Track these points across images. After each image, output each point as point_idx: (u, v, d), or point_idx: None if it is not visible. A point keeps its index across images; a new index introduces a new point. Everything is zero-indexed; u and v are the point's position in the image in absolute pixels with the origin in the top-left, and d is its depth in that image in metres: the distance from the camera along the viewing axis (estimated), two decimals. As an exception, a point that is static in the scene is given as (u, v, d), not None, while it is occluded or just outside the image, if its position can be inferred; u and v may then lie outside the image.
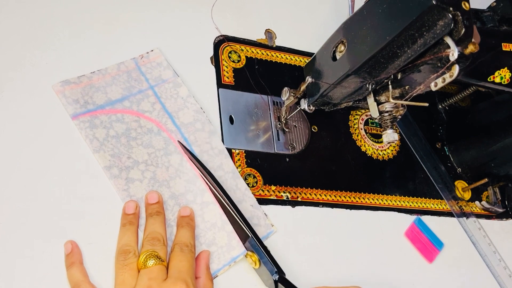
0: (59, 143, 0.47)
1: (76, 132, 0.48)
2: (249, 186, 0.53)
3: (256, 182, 0.54)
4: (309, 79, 0.53)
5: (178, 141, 0.52)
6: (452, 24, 0.41)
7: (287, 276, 0.47)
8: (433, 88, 0.45)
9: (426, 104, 0.49)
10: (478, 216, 0.67)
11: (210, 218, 0.49)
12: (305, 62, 0.64)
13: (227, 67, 0.59)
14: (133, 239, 0.45)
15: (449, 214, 0.66)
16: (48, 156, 0.46)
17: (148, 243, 0.44)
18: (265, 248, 0.48)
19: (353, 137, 0.64)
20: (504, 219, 0.69)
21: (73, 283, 0.41)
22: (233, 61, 0.60)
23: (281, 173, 0.56)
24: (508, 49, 0.52)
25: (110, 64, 0.52)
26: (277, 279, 0.46)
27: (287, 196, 0.55)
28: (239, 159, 0.54)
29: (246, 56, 0.61)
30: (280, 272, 0.46)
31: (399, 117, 0.51)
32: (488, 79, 0.53)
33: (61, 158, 0.46)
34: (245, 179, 0.53)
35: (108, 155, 0.48)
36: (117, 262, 0.43)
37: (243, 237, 0.48)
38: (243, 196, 0.52)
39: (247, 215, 0.49)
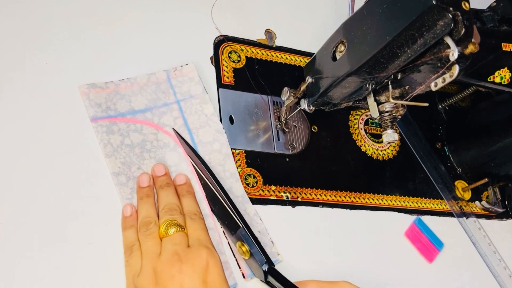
0: (59, 143, 0.47)
1: (79, 134, 0.48)
2: (249, 186, 0.53)
3: (256, 182, 0.54)
4: (309, 79, 0.53)
5: (173, 128, 0.51)
6: (452, 24, 0.41)
7: (280, 269, 0.47)
8: (433, 88, 0.45)
9: (426, 104, 0.49)
10: (478, 216, 0.67)
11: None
12: (305, 62, 0.64)
13: (227, 67, 0.59)
14: (152, 210, 0.46)
15: (449, 214, 0.66)
16: (49, 156, 0.46)
17: (166, 213, 0.45)
18: (255, 239, 0.48)
19: (353, 137, 0.64)
20: (504, 219, 0.69)
21: (127, 243, 0.44)
22: (233, 61, 0.60)
23: (281, 173, 0.56)
24: (508, 49, 0.52)
25: (110, 63, 0.52)
26: (266, 269, 0.46)
27: (287, 196, 0.55)
28: (239, 159, 0.54)
29: (246, 56, 0.61)
30: (269, 263, 0.47)
31: (399, 117, 0.51)
32: (488, 79, 0.53)
33: (61, 159, 0.46)
34: (245, 179, 0.53)
35: (119, 162, 0.48)
36: (140, 233, 0.44)
37: (234, 227, 0.48)
38: (251, 221, 0.51)
39: None
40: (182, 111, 0.52)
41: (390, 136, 0.51)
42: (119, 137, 0.49)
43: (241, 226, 0.48)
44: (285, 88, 0.55)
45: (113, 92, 0.51)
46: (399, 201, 0.63)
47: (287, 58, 0.64)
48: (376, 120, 0.53)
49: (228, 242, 0.49)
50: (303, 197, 0.56)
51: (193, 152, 0.51)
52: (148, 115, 0.51)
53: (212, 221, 0.49)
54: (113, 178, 0.47)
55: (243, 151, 0.55)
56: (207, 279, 0.41)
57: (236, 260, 0.49)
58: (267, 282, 0.47)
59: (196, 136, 0.52)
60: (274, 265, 0.47)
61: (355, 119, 0.66)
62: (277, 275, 0.46)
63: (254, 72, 0.60)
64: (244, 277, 0.48)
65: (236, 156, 0.54)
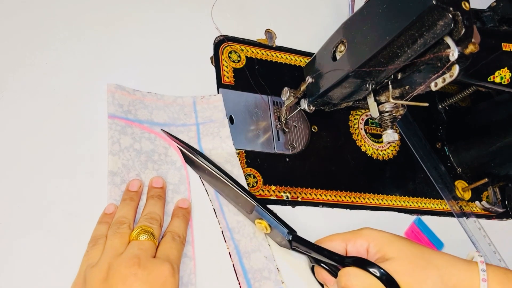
0: (59, 143, 0.47)
1: (79, 134, 0.48)
2: (249, 186, 0.53)
3: (256, 182, 0.54)
4: (309, 79, 0.53)
5: (162, 129, 0.51)
6: (452, 24, 0.41)
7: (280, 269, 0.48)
8: (433, 88, 0.45)
9: (426, 104, 0.49)
10: (478, 216, 0.67)
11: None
12: (305, 62, 0.64)
13: (227, 67, 0.59)
14: (131, 213, 0.45)
15: (449, 214, 0.66)
16: (49, 156, 0.46)
17: (145, 220, 0.44)
18: (272, 212, 0.49)
19: (353, 137, 0.64)
20: (504, 219, 0.69)
21: (93, 236, 0.43)
22: (233, 61, 0.60)
23: (281, 173, 0.56)
24: (508, 49, 0.52)
25: (110, 63, 0.52)
26: (290, 238, 0.48)
27: (287, 196, 0.55)
28: (239, 159, 0.54)
29: (246, 56, 0.61)
30: (291, 231, 0.48)
31: (399, 117, 0.51)
32: (488, 79, 0.53)
33: (61, 159, 0.46)
34: (245, 179, 0.53)
35: (120, 163, 0.47)
36: (110, 229, 0.43)
37: (249, 208, 0.49)
38: (259, 246, 0.50)
39: (258, 266, 0.49)
40: (199, 133, 0.52)
41: (390, 136, 0.51)
42: (130, 139, 0.49)
43: (255, 204, 0.48)
44: (285, 88, 0.55)
45: (138, 99, 0.51)
46: (399, 201, 0.63)
47: (287, 58, 0.64)
48: (376, 120, 0.53)
49: (233, 185, 0.49)
50: (303, 197, 0.56)
51: (189, 147, 0.51)
52: (165, 129, 0.51)
53: (191, 250, 0.47)
54: (108, 176, 0.47)
55: (243, 151, 0.55)
56: None
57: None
58: (293, 249, 0.49)
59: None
60: (296, 232, 0.48)
61: (355, 119, 0.66)
62: (302, 241, 0.47)
63: (254, 72, 0.60)
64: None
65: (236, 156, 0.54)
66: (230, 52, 0.60)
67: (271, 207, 0.54)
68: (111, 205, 0.46)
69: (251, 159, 0.55)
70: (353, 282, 0.43)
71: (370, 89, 0.50)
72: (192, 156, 0.50)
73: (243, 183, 0.52)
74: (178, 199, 0.49)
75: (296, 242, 0.48)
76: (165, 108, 0.52)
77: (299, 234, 0.54)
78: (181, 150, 0.50)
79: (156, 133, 0.50)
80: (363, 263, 0.44)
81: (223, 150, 0.52)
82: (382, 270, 0.42)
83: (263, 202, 0.53)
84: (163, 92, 0.54)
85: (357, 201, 0.59)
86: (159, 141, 0.50)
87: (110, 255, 0.41)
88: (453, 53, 0.41)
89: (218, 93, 0.57)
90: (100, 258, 0.41)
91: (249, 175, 0.54)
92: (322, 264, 0.48)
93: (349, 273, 0.44)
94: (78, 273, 0.42)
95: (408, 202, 0.63)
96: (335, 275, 0.46)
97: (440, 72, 0.44)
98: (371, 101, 0.51)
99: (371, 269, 0.43)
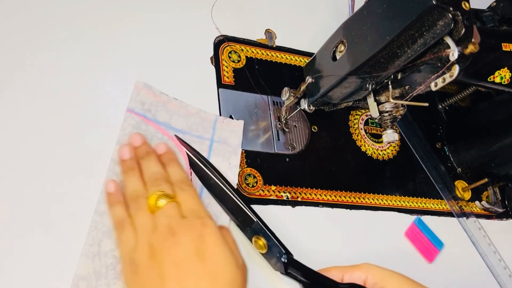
0: (59, 143, 0.47)
1: (79, 134, 0.48)
2: (249, 186, 0.53)
3: (256, 182, 0.54)
4: (309, 79, 0.53)
5: (175, 135, 0.51)
6: (452, 24, 0.41)
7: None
8: (433, 88, 0.45)
9: (426, 104, 0.49)
10: (478, 216, 0.67)
11: None
12: (305, 62, 0.64)
13: (227, 67, 0.59)
14: (138, 182, 0.44)
15: (449, 214, 0.66)
16: (49, 156, 0.46)
17: (153, 185, 0.44)
18: (271, 231, 0.47)
19: (353, 137, 0.64)
20: (504, 219, 0.69)
21: (116, 220, 0.43)
22: (233, 61, 0.60)
23: (281, 173, 0.56)
24: (508, 49, 0.52)
25: (110, 63, 0.53)
26: (286, 260, 0.45)
27: (287, 196, 0.55)
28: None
29: (246, 56, 0.61)
30: (288, 253, 0.46)
31: (399, 117, 0.51)
32: (488, 79, 0.53)
33: (61, 159, 0.46)
34: (245, 179, 0.53)
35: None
36: (131, 208, 0.43)
37: (248, 222, 0.47)
38: None
39: None
40: (210, 149, 0.52)
41: (390, 136, 0.51)
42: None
43: (255, 220, 0.47)
44: (285, 88, 0.55)
45: (161, 102, 0.52)
46: (399, 201, 0.63)
47: (287, 58, 0.64)
48: (376, 120, 0.53)
49: (234, 197, 0.49)
50: (303, 197, 0.56)
51: (198, 154, 0.50)
52: (180, 135, 0.51)
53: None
54: (110, 162, 0.46)
55: (243, 151, 0.55)
56: (201, 249, 0.39)
57: None
58: (288, 274, 0.46)
59: None
60: (292, 255, 0.46)
61: (355, 119, 0.66)
62: (298, 265, 0.46)
63: (254, 72, 0.60)
64: None
65: (236, 156, 0.54)
66: (230, 52, 0.60)
67: (270, 207, 0.54)
68: (109, 183, 0.45)
69: (251, 159, 0.55)
70: None
71: (370, 89, 0.50)
72: (200, 164, 0.50)
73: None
74: (155, 148, 0.48)
75: (291, 265, 0.46)
76: (186, 117, 0.52)
77: (298, 234, 0.54)
78: (189, 157, 0.50)
79: (169, 135, 0.50)
80: None
81: (227, 177, 0.51)
82: None
83: (263, 202, 0.54)
84: (164, 93, 0.54)
85: (357, 201, 0.59)
86: (170, 143, 0.50)
87: (144, 233, 0.41)
88: (453, 53, 0.41)
89: (218, 93, 0.57)
90: (137, 240, 0.41)
91: (249, 175, 0.54)
92: None
93: None
94: (122, 260, 0.42)
95: (408, 202, 0.63)
96: None
97: (440, 72, 0.44)
98: (371, 101, 0.51)
99: None
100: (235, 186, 0.51)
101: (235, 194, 0.48)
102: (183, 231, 0.40)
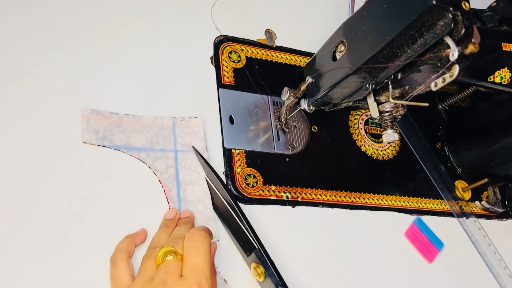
0: (59, 144, 0.47)
1: (79, 134, 0.48)
2: (249, 186, 0.53)
3: (256, 182, 0.54)
4: (309, 79, 0.53)
5: (193, 146, 0.51)
6: (452, 24, 0.41)
7: (280, 268, 0.47)
8: (433, 88, 0.45)
9: (426, 104, 0.49)
10: (478, 216, 0.67)
11: None
12: (305, 62, 0.64)
13: (227, 67, 0.59)
14: (164, 238, 0.45)
15: (449, 214, 0.66)
16: (49, 157, 0.46)
17: (170, 242, 0.44)
18: (270, 260, 0.47)
19: (353, 137, 0.64)
20: (504, 219, 0.69)
21: (116, 252, 0.43)
22: (233, 61, 0.60)
23: (281, 173, 0.56)
24: (508, 49, 0.52)
25: (110, 63, 0.52)
26: None
27: (287, 196, 0.55)
28: (239, 159, 0.54)
29: (246, 56, 0.61)
30: (284, 285, 0.45)
31: (399, 117, 0.51)
32: (488, 79, 0.53)
33: (61, 160, 0.46)
34: (245, 179, 0.53)
35: None
36: (145, 254, 0.43)
37: (249, 248, 0.47)
38: (198, 179, 0.51)
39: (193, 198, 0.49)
40: (176, 162, 0.51)
41: (390, 136, 0.51)
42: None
43: (257, 247, 0.47)
44: (285, 88, 0.55)
45: (114, 123, 0.50)
46: (399, 201, 0.63)
47: (287, 58, 0.64)
48: (376, 120, 0.53)
49: (239, 220, 0.48)
50: (303, 197, 0.56)
51: (212, 170, 0.50)
52: (143, 155, 0.50)
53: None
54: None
55: (243, 151, 0.55)
56: None
57: None
58: None
59: (183, 192, 0.50)
60: None
61: (355, 119, 0.66)
62: None
63: (254, 72, 0.60)
64: None
65: (236, 156, 0.54)
66: (230, 52, 0.60)
67: (271, 207, 0.54)
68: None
69: (251, 159, 0.55)
70: None
71: (370, 89, 0.50)
72: (210, 182, 0.50)
73: (212, 226, 0.50)
74: (180, 213, 0.49)
75: None
76: (143, 131, 0.51)
77: (299, 234, 0.54)
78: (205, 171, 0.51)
79: (136, 158, 0.49)
80: None
81: (200, 187, 0.50)
82: None
83: (263, 202, 0.54)
84: (164, 93, 0.54)
85: (357, 201, 0.59)
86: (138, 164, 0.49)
87: (142, 280, 0.41)
88: (453, 53, 0.41)
89: (218, 93, 0.57)
90: (135, 281, 0.41)
91: (249, 175, 0.54)
92: None
93: None
94: None
95: (408, 202, 0.63)
96: None
97: (440, 72, 0.44)
98: (371, 101, 0.51)
99: None
100: (209, 196, 0.50)
101: (242, 218, 0.48)
102: None
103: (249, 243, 0.47)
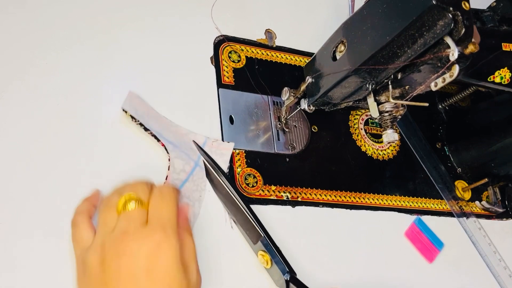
0: (59, 143, 0.47)
1: (79, 134, 0.48)
2: (249, 186, 0.53)
3: (256, 182, 0.54)
4: (309, 79, 0.53)
5: (193, 141, 0.51)
6: (452, 24, 0.41)
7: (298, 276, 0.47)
8: (433, 88, 0.45)
9: (426, 104, 0.49)
10: (478, 216, 0.67)
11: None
12: (305, 62, 0.64)
13: (227, 67, 0.59)
14: (127, 189, 0.42)
15: (449, 214, 0.66)
16: (49, 156, 0.46)
17: (132, 188, 0.42)
18: (277, 247, 0.47)
19: (353, 137, 0.64)
20: (504, 219, 0.69)
21: (74, 215, 0.42)
22: (233, 61, 0.60)
23: (281, 173, 0.56)
24: (508, 49, 0.52)
25: (110, 63, 0.53)
26: (288, 278, 0.46)
27: (287, 196, 0.55)
28: (239, 159, 0.54)
29: (246, 56, 0.61)
30: (291, 272, 0.47)
31: (399, 117, 0.51)
32: (488, 79, 0.53)
33: (61, 159, 0.46)
34: (245, 179, 0.53)
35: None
36: (100, 208, 0.42)
37: (255, 237, 0.48)
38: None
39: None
40: (191, 173, 0.50)
41: (390, 136, 0.51)
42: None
43: (262, 235, 0.47)
44: (285, 88, 0.55)
45: (153, 114, 0.51)
46: (399, 201, 0.63)
47: (287, 58, 0.64)
48: (376, 120, 0.53)
49: (244, 209, 0.49)
50: (303, 197, 0.56)
51: (213, 163, 0.50)
52: (170, 146, 0.50)
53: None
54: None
55: (243, 151, 0.55)
56: (152, 265, 0.36)
57: None
58: None
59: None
60: (295, 274, 0.47)
61: (355, 119, 0.66)
62: (299, 284, 0.46)
63: (254, 72, 0.60)
64: None
65: (236, 156, 0.54)
66: (230, 52, 0.60)
67: (271, 207, 0.54)
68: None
69: (251, 159, 0.55)
70: None
71: (370, 89, 0.50)
72: (214, 173, 0.50)
73: None
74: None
75: (293, 284, 0.46)
76: (176, 134, 0.51)
77: (299, 233, 0.54)
78: (205, 164, 0.51)
79: (163, 144, 0.50)
80: None
81: (193, 206, 0.49)
82: None
83: (263, 202, 0.54)
84: (164, 93, 0.54)
85: (357, 201, 0.59)
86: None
87: (102, 233, 0.39)
88: (453, 53, 0.41)
89: (218, 93, 0.57)
90: (95, 237, 0.39)
91: (249, 175, 0.54)
92: None
93: None
94: (76, 260, 0.40)
95: (408, 202, 0.63)
96: None
97: (440, 72, 0.44)
98: (371, 101, 0.51)
99: None
100: (192, 225, 0.48)
101: (246, 208, 0.48)
102: (139, 240, 0.37)
103: (254, 232, 0.48)
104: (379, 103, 0.51)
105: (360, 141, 0.64)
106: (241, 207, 0.48)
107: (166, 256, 0.37)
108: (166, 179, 0.48)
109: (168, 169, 0.49)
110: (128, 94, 0.50)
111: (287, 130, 0.59)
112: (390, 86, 0.49)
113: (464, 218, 0.66)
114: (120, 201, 0.40)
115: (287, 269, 0.46)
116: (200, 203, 0.50)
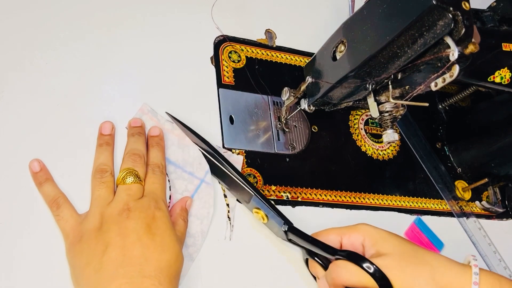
0: (59, 143, 0.47)
1: (79, 134, 0.48)
2: (249, 186, 0.53)
3: (256, 182, 0.54)
4: (309, 79, 0.53)
5: (166, 112, 0.52)
6: (452, 24, 0.41)
7: (280, 268, 0.49)
8: (433, 88, 0.45)
9: (426, 104, 0.49)
10: (478, 216, 0.67)
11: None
12: (305, 62, 0.64)
13: (227, 67, 0.59)
14: (110, 159, 0.46)
15: (449, 214, 0.66)
16: (49, 156, 0.46)
17: (129, 159, 0.45)
18: (269, 203, 0.49)
19: (353, 137, 0.64)
20: (504, 219, 0.69)
21: (49, 199, 0.43)
22: (233, 61, 0.60)
23: (281, 173, 0.56)
24: (508, 49, 0.52)
25: (111, 63, 0.53)
26: (286, 229, 0.48)
27: (287, 196, 0.55)
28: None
29: (246, 56, 0.61)
30: (287, 222, 0.49)
31: (399, 117, 0.51)
32: (488, 79, 0.53)
33: (61, 159, 0.46)
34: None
35: None
36: (94, 179, 0.44)
37: (247, 196, 0.50)
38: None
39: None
40: (196, 191, 0.50)
41: (390, 136, 0.51)
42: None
43: (253, 194, 0.49)
44: (285, 88, 0.55)
45: (162, 130, 0.50)
46: (399, 201, 0.63)
47: (287, 58, 0.64)
48: (376, 120, 0.53)
49: (230, 173, 0.50)
50: (303, 197, 0.56)
51: (192, 132, 0.51)
52: (171, 168, 0.50)
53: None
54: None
55: (243, 151, 0.55)
56: (152, 226, 0.41)
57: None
58: (289, 240, 0.50)
59: None
60: (292, 224, 0.49)
61: (355, 119, 0.66)
62: (297, 232, 0.48)
63: (254, 72, 0.60)
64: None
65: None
66: (230, 52, 0.60)
67: (271, 207, 0.54)
68: (33, 162, 0.44)
69: (251, 159, 0.55)
70: (342, 275, 0.43)
71: (370, 89, 0.50)
72: (202, 144, 0.51)
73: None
74: (149, 129, 0.49)
75: (291, 233, 0.48)
76: (185, 148, 0.51)
77: (299, 234, 0.54)
78: (191, 133, 0.52)
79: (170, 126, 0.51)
80: (356, 258, 0.44)
81: (200, 224, 0.49)
82: (375, 266, 0.42)
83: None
84: (164, 92, 0.54)
85: (357, 201, 0.59)
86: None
87: (99, 205, 0.42)
88: (453, 53, 0.41)
89: (218, 93, 0.57)
90: (89, 209, 0.42)
91: (249, 175, 0.54)
92: (315, 258, 0.48)
93: (339, 266, 0.44)
94: (64, 236, 0.42)
95: (408, 202, 0.63)
96: (327, 268, 0.47)
97: (440, 72, 0.44)
98: (371, 101, 0.51)
99: (363, 264, 0.43)
100: (201, 242, 0.49)
101: (232, 171, 0.50)
102: (138, 208, 0.42)
103: (245, 192, 0.50)
104: (379, 103, 0.51)
105: (360, 141, 0.64)
106: (228, 173, 0.50)
107: (163, 221, 0.42)
108: (169, 198, 0.49)
109: (170, 189, 0.49)
110: (141, 106, 0.51)
111: (287, 130, 0.59)
112: (390, 86, 0.49)
113: (464, 218, 0.66)
114: (120, 173, 0.44)
115: (283, 221, 0.49)
116: (208, 220, 0.50)
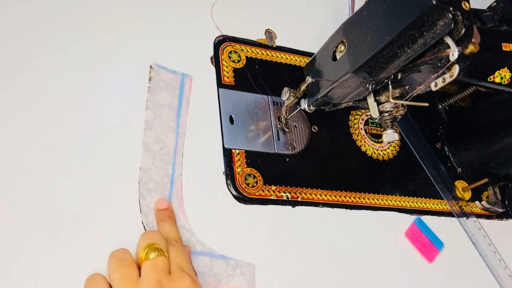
0: (59, 143, 0.47)
1: (79, 134, 0.48)
2: (249, 186, 0.53)
3: (256, 182, 0.54)
4: (309, 79, 0.53)
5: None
6: (452, 24, 0.41)
7: (280, 267, 0.48)
8: (433, 88, 0.45)
9: (426, 104, 0.49)
10: (478, 216, 0.67)
11: None
12: (305, 62, 0.64)
13: (227, 67, 0.59)
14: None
15: (449, 214, 0.66)
16: (49, 156, 0.46)
17: (151, 238, 0.43)
18: None
19: (353, 137, 0.64)
20: (504, 219, 0.69)
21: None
22: (233, 61, 0.60)
23: (281, 173, 0.56)
24: (508, 49, 0.52)
25: (111, 63, 0.53)
26: None
27: (287, 196, 0.55)
28: (239, 159, 0.54)
29: (246, 56, 0.61)
30: None
31: (399, 117, 0.51)
32: (488, 79, 0.53)
33: (61, 159, 0.46)
34: (245, 179, 0.53)
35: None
36: (111, 261, 0.42)
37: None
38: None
39: None
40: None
41: (390, 136, 0.51)
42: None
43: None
44: (285, 88, 0.55)
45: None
46: (399, 201, 0.63)
47: (287, 58, 0.64)
48: (376, 120, 0.53)
49: None
50: (303, 197, 0.56)
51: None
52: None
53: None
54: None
55: (243, 151, 0.55)
56: None
57: None
58: None
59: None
60: None
61: (355, 119, 0.66)
62: None
63: (254, 72, 0.60)
64: None
65: (236, 156, 0.54)
66: (230, 52, 0.60)
67: (271, 207, 0.54)
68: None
69: (251, 159, 0.55)
70: None
71: (370, 89, 0.50)
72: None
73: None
74: (156, 202, 0.48)
75: None
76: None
77: (298, 234, 0.54)
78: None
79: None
80: None
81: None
82: None
83: (263, 202, 0.53)
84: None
85: (357, 201, 0.59)
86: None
87: (126, 285, 0.39)
88: (453, 53, 0.41)
89: (218, 93, 0.57)
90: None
91: (249, 175, 0.54)
92: None
93: None
94: None
95: (408, 202, 0.63)
96: None
97: (440, 72, 0.44)
98: (371, 101, 0.51)
99: None
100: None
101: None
102: (172, 286, 0.40)
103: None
104: (379, 103, 0.51)
105: (360, 141, 0.64)
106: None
107: None
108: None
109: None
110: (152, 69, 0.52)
111: (287, 130, 0.59)
112: (390, 86, 0.49)
113: (464, 218, 0.66)
114: (142, 251, 0.41)
115: None
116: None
